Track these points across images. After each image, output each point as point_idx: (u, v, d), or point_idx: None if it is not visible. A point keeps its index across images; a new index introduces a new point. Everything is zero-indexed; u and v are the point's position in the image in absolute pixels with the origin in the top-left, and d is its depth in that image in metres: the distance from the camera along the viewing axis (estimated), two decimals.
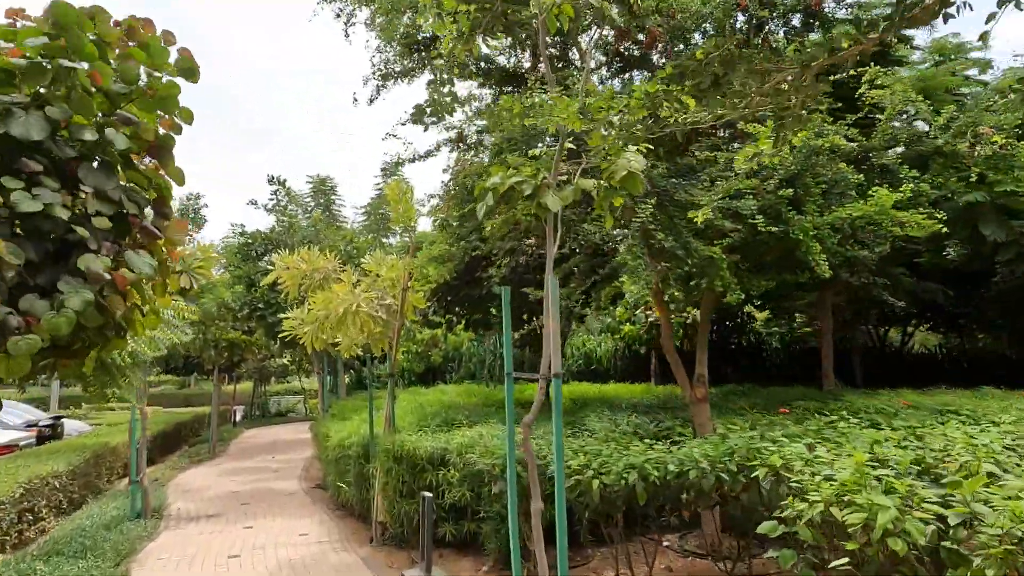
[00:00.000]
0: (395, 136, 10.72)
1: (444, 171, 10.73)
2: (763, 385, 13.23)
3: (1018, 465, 4.40)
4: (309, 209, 19.75)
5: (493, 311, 13.03)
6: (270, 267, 9.09)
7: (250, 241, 16.08)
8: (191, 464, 17.31)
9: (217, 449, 20.09)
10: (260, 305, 15.07)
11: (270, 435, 26.20)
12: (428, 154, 9.87)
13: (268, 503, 11.90)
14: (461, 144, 9.40)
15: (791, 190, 6.52)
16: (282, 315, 8.73)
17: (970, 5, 3.50)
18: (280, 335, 9.04)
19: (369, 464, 9.27)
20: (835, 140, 6.79)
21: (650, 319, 16.08)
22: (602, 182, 5.10)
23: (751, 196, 6.38)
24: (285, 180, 16.83)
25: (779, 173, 6.63)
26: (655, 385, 17.38)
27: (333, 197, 23.56)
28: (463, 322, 13.00)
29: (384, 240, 18.82)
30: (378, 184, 23.09)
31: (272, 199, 16.98)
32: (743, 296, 6.70)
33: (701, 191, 6.41)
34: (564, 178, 5.16)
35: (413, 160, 9.77)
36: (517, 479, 5.61)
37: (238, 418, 32.94)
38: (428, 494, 7.62)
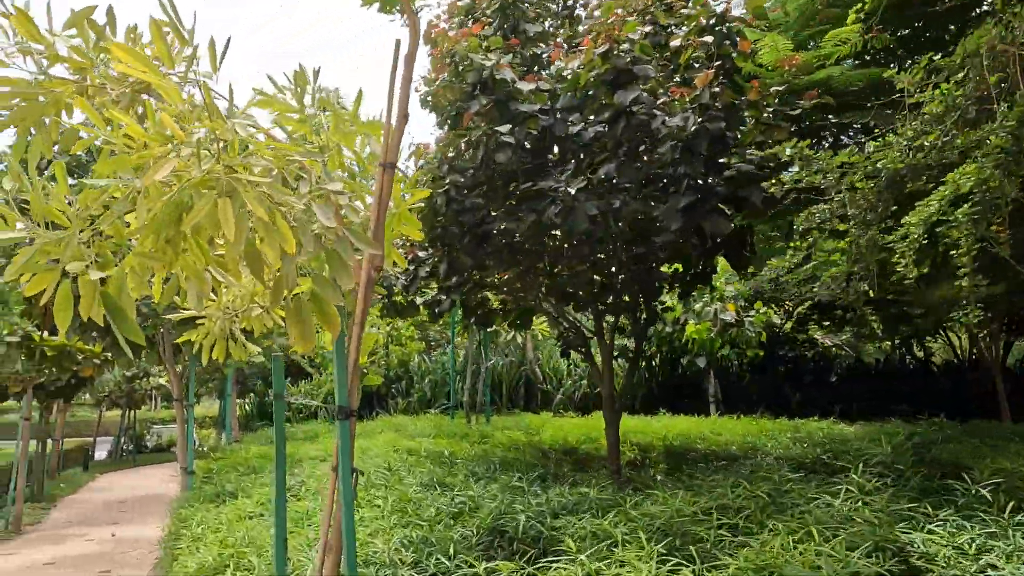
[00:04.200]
0: None
1: None
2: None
3: None
4: None
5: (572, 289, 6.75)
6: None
7: None
8: None
9: (28, 518, 12.82)
10: None
11: (133, 483, 18.80)
12: None
13: None
14: None
15: None
16: None
17: None
18: None
19: None
20: None
21: (724, 316, 10.54)
22: None
23: None
24: None
25: None
26: (717, 416, 11.84)
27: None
28: (463, 309, 6.92)
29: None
30: None
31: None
32: None
33: None
34: None
35: None
36: None
37: (97, 456, 24.87)
38: None
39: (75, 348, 13.84)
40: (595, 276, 6.05)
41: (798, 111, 4.76)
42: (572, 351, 7.23)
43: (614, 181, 4.77)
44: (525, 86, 5.00)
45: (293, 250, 2.69)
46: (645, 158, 5.01)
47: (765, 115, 4.80)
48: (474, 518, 3.95)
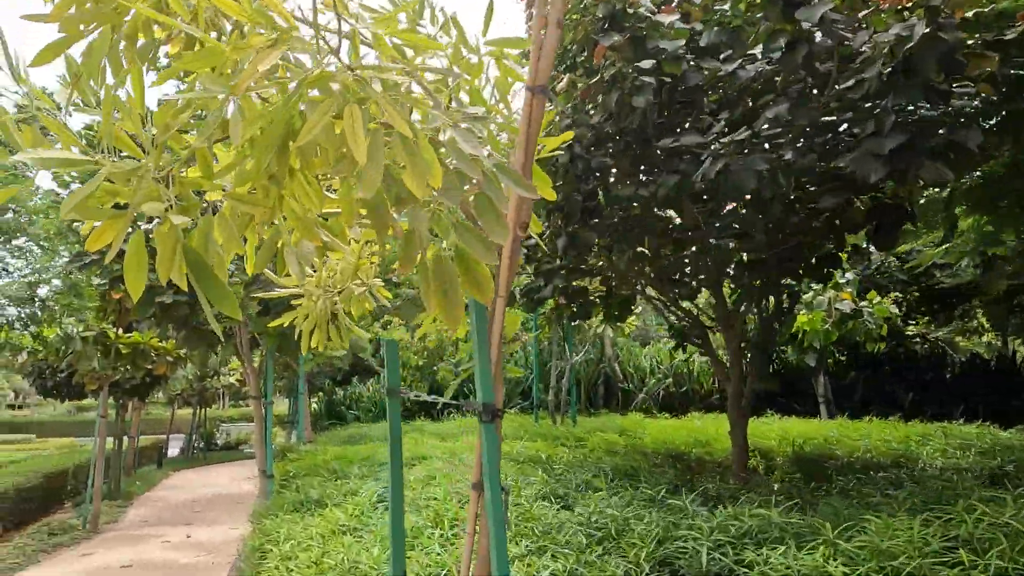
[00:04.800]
0: None
1: None
2: None
3: None
4: None
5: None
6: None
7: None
8: (38, 553, 10.01)
9: (105, 516, 12.71)
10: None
11: (204, 481, 18.75)
12: None
13: None
14: None
15: None
16: None
17: None
18: None
19: None
20: None
21: (839, 306, 9.42)
22: None
23: None
24: None
25: None
26: (827, 418, 10.70)
27: None
28: (563, 297, 6.16)
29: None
30: None
31: None
32: None
33: None
34: None
35: None
36: None
37: (170, 454, 25.12)
38: None
39: (149, 346, 13.75)
40: (737, 251, 5.13)
41: (1013, 36, 3.78)
42: (689, 344, 6.36)
43: (776, 131, 3.87)
44: (665, 18, 4.17)
45: (439, 183, 1.94)
46: (811, 98, 4.08)
47: (972, 40, 3.84)
48: (630, 545, 3.15)
